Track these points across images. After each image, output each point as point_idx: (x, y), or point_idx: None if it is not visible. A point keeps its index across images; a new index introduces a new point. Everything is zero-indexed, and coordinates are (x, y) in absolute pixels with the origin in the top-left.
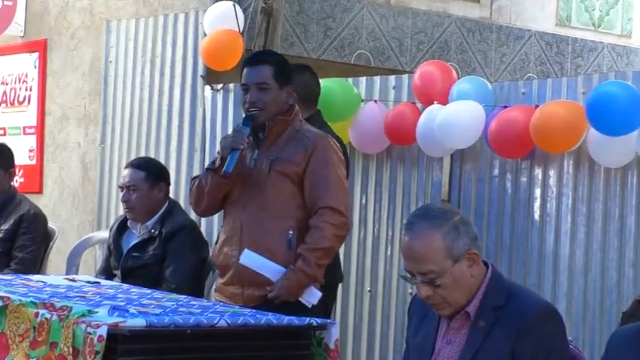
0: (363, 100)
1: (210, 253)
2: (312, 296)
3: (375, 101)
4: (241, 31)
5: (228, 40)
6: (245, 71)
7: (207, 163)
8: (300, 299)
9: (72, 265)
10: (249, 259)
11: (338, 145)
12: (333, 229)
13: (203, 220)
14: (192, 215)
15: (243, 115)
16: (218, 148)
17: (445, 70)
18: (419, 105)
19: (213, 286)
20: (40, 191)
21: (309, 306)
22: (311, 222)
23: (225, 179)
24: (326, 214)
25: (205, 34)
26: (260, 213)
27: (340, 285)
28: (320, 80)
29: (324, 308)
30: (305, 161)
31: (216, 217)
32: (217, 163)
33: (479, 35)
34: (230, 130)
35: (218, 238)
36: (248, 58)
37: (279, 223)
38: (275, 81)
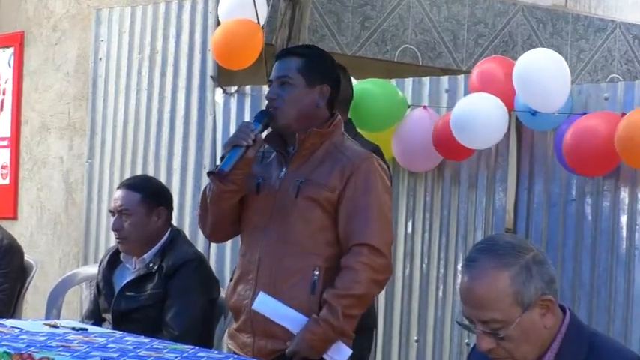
0: (409, 106)
1: (224, 291)
2: (339, 353)
3: (425, 107)
4: (260, 21)
5: (244, 33)
6: (273, 66)
7: None
8: (325, 356)
9: (53, 307)
10: (264, 304)
11: (385, 167)
12: (369, 271)
13: (212, 252)
14: (200, 246)
15: None
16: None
17: (510, 70)
18: None
19: (227, 332)
20: (14, 217)
21: None
22: (343, 261)
23: (221, 182)
24: (362, 253)
25: (219, 24)
26: (280, 246)
27: (381, 332)
28: (355, 82)
29: (359, 358)
30: (341, 186)
31: (228, 249)
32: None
33: (551, 27)
34: None
35: (233, 273)
36: (281, 50)
37: (302, 260)
38: (301, 75)
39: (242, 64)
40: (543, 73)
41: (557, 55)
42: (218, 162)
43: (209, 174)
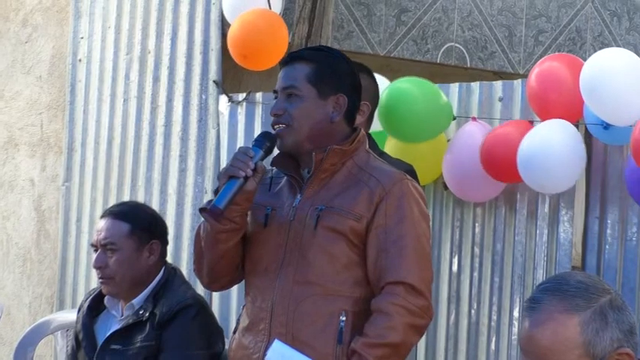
0: (454, 118)
1: (227, 346)
2: None
3: (474, 119)
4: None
5: (267, 25)
6: (279, 74)
7: None
8: None
9: None
10: (279, 354)
11: (421, 190)
12: (406, 315)
13: (215, 295)
14: (200, 289)
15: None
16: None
17: (578, 70)
18: (537, 123)
19: None
20: None
21: None
22: (374, 304)
23: (216, 220)
24: (397, 294)
25: (224, 18)
26: (298, 288)
27: None
28: (386, 81)
29: None
30: (369, 214)
31: (235, 292)
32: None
33: (627, 21)
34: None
35: (238, 324)
36: (286, 55)
37: (326, 303)
38: (311, 85)
39: (267, 64)
40: (616, 79)
41: (635, 56)
42: (211, 196)
43: (201, 210)
